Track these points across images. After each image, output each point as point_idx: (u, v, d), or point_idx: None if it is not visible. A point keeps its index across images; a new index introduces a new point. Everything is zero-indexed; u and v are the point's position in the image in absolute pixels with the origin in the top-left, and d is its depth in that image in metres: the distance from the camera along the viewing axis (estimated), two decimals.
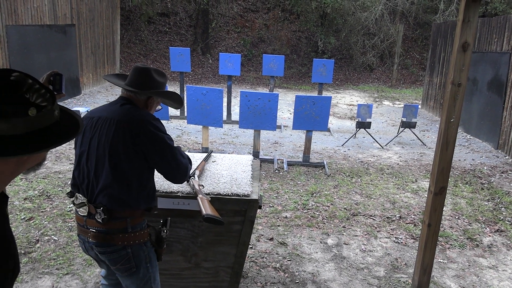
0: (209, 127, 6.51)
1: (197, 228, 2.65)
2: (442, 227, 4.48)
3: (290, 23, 17.03)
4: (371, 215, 4.78)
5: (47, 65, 9.31)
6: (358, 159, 6.94)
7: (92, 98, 10.81)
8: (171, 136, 2.10)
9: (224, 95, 8.19)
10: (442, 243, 4.24)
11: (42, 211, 4.43)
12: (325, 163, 6.35)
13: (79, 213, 2.03)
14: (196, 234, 2.67)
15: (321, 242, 4.11)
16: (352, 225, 4.51)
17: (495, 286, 3.58)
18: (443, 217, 4.57)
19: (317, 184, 5.61)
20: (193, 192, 2.48)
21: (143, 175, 2.02)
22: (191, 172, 2.48)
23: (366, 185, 5.72)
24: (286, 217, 4.61)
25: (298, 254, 3.86)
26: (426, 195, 5.23)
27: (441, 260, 3.92)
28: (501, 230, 4.60)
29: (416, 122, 7.90)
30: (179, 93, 7.20)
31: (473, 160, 7.17)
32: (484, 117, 8.25)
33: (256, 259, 3.74)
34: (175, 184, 2.53)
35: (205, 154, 3.19)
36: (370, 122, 7.67)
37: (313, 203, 5.00)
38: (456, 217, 4.87)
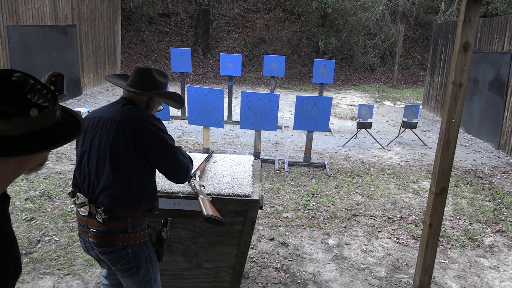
0: (210, 128, 6.51)
1: (198, 229, 2.65)
2: (443, 227, 4.47)
3: (291, 24, 17.03)
4: (372, 216, 4.78)
5: (48, 65, 9.32)
6: (359, 159, 6.94)
7: (93, 99, 10.82)
8: (172, 136, 2.10)
9: (225, 95, 8.20)
10: (443, 243, 4.24)
11: (43, 212, 4.43)
12: (326, 163, 6.35)
13: (80, 213, 2.03)
14: (197, 234, 2.67)
15: (322, 243, 4.11)
16: (353, 226, 4.51)
17: (496, 287, 3.57)
18: (444, 217, 4.57)
19: (318, 185, 5.61)
20: (194, 193, 2.48)
21: (144, 175, 2.02)
22: (192, 172, 2.48)
23: (367, 185, 5.72)
24: (287, 217, 4.61)
25: (299, 255, 3.86)
26: (427, 196, 5.21)
27: (442, 261, 3.92)
28: (502, 230, 4.60)
29: (417, 123, 7.90)
30: (180, 94, 7.20)
31: (474, 160, 7.16)
32: (485, 118, 8.24)
33: (257, 259, 3.74)
34: (176, 185, 2.53)
35: (206, 154, 3.19)
36: (371, 122, 7.67)
37: (314, 203, 5.00)
38: (457, 218, 4.86)
